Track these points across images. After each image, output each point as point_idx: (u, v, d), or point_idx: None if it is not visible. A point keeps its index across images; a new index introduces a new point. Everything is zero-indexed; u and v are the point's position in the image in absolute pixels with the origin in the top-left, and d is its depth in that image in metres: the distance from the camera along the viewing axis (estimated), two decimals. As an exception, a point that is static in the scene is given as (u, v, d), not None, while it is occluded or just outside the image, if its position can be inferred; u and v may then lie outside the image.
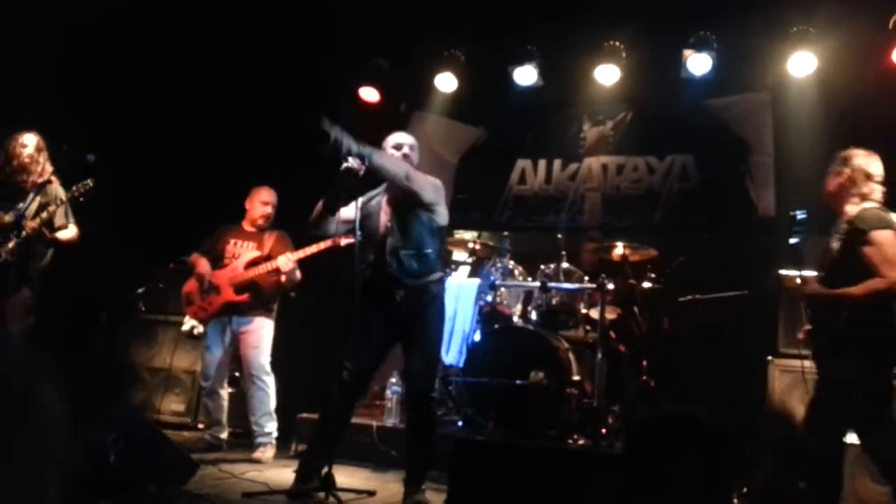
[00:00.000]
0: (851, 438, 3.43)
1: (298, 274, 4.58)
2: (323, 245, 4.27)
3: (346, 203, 3.58)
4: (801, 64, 5.32)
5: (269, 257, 4.58)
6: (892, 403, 3.21)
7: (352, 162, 3.33)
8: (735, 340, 4.92)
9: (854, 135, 5.08)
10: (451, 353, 5.13)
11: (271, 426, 4.59)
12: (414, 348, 3.59)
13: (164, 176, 5.81)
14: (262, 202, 4.77)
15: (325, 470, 3.41)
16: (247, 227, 4.79)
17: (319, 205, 3.59)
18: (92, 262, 4.84)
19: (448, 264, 5.65)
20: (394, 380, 4.79)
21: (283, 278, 4.55)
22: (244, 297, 4.54)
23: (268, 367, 4.62)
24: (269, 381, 4.61)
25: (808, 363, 3.74)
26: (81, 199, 4.14)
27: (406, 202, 3.55)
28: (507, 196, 6.63)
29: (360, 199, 3.60)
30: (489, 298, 5.13)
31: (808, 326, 3.51)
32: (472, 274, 5.60)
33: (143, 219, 5.71)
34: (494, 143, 6.73)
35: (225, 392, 4.80)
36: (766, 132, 5.80)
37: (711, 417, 2.25)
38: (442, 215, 3.67)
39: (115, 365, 5.45)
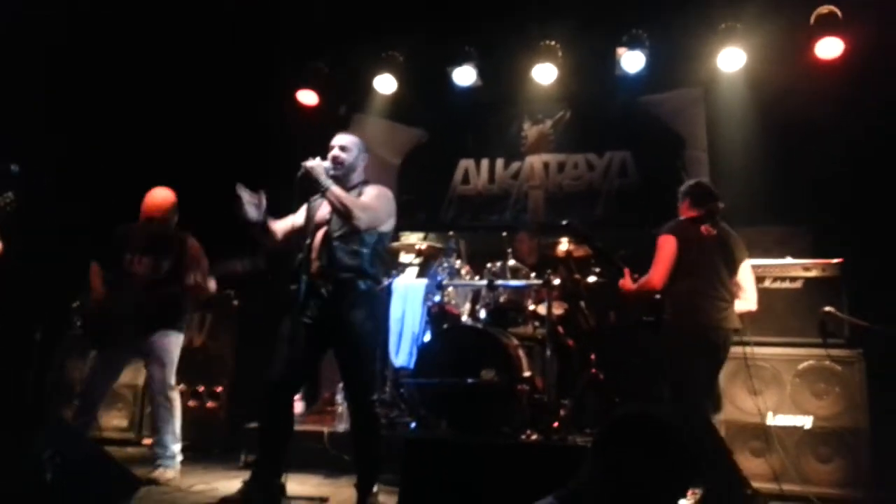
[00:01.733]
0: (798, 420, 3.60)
1: (213, 284, 4.22)
2: (221, 271, 4.11)
3: (265, 219, 3.55)
4: (731, 59, 5.50)
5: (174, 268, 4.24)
6: None
7: (310, 162, 3.40)
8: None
9: (782, 127, 5.33)
10: (402, 355, 5.11)
11: (175, 447, 4.26)
12: (345, 353, 3.52)
13: (99, 183, 5.61)
14: (152, 208, 4.27)
15: (275, 479, 3.34)
16: (143, 236, 4.33)
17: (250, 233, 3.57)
18: (24, 277, 4.64)
19: (395, 266, 5.63)
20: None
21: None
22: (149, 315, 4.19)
23: (174, 382, 4.28)
24: (175, 398, 4.29)
25: (749, 349, 3.90)
26: (7, 211, 3.93)
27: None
28: (451, 196, 6.65)
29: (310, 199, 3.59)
30: (437, 299, 5.12)
31: None
32: (420, 275, 5.59)
33: (77, 231, 5.49)
34: (436, 144, 6.74)
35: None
36: (700, 127, 5.98)
37: (672, 417, 2.28)
38: (388, 224, 3.67)
39: (51, 382, 5.24)
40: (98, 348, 4.22)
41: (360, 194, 3.59)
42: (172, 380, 4.24)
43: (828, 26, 5.24)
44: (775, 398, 4.11)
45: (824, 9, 5.28)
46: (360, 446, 3.56)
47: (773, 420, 4.09)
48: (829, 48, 5.24)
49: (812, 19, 5.32)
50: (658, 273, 3.69)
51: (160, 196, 4.29)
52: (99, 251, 4.33)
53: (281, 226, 3.65)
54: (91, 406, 4.21)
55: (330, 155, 3.59)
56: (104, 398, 4.40)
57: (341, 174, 3.57)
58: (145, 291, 4.15)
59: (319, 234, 3.52)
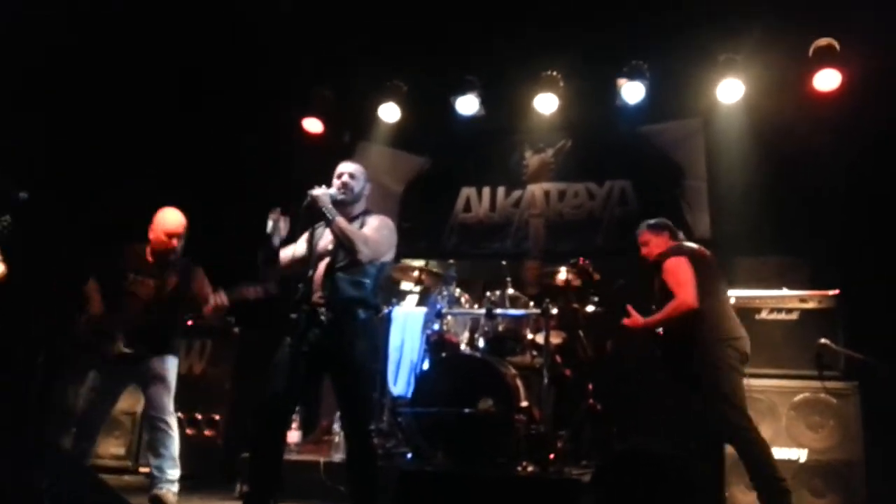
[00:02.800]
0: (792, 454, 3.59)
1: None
2: (235, 297, 4.01)
3: (280, 246, 3.57)
4: (730, 91, 5.55)
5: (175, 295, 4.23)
6: None
7: (316, 191, 3.42)
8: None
9: (781, 158, 5.36)
10: (400, 384, 5.12)
11: (175, 473, 4.20)
12: (344, 381, 3.51)
13: (100, 209, 5.68)
14: (165, 233, 4.20)
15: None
16: (149, 257, 4.26)
17: (260, 256, 3.56)
18: (26, 301, 4.68)
19: (395, 294, 5.67)
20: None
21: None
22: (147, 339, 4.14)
23: (172, 408, 4.22)
24: (174, 424, 4.23)
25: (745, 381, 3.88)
26: (4, 233, 3.92)
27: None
28: (452, 224, 6.69)
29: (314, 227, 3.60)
30: (436, 327, 5.14)
31: None
32: (420, 303, 5.61)
33: (79, 251, 5.54)
34: (439, 172, 6.80)
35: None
36: (699, 157, 6.01)
37: (680, 454, 2.30)
38: (389, 255, 3.69)
39: (52, 408, 5.26)
40: (95, 370, 4.14)
41: (362, 224, 3.60)
42: (171, 405, 4.21)
43: (826, 58, 5.30)
44: (770, 430, 4.07)
45: (823, 41, 5.33)
46: (357, 477, 3.54)
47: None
48: (828, 80, 5.29)
49: (811, 51, 5.37)
50: (689, 292, 3.78)
51: (173, 219, 4.24)
52: (98, 268, 4.27)
53: (284, 254, 3.65)
54: (90, 432, 4.19)
55: (339, 182, 3.61)
56: (103, 424, 4.36)
57: (348, 201, 3.60)
58: (146, 314, 4.12)
59: (322, 265, 3.52)
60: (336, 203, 3.51)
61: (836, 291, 4.21)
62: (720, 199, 5.76)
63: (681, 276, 3.82)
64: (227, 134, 6.22)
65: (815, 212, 5.15)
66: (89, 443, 4.22)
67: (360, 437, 3.52)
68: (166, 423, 4.17)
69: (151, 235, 4.24)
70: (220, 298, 3.98)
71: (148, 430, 4.31)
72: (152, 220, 4.24)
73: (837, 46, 5.25)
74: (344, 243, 3.44)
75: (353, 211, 3.65)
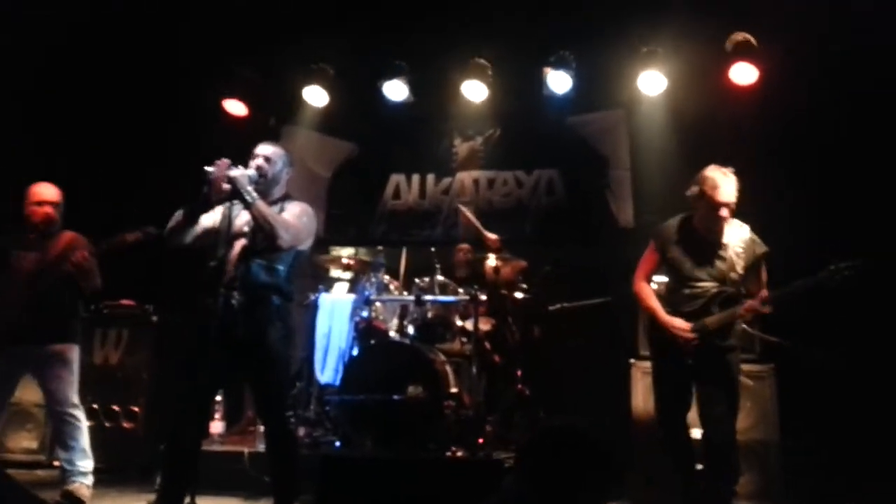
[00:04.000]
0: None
1: (97, 280, 4.06)
2: (109, 244, 3.98)
3: (205, 211, 3.42)
4: (652, 83, 5.66)
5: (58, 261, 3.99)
6: None
7: (235, 171, 3.30)
8: (600, 345, 5.16)
9: (699, 148, 5.53)
10: (327, 372, 5.05)
11: (87, 464, 4.06)
12: (258, 368, 3.40)
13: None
14: (35, 203, 4.07)
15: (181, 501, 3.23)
16: (30, 234, 4.10)
17: (180, 214, 3.40)
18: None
19: (323, 281, 5.58)
20: (267, 403, 4.62)
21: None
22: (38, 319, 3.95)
23: (76, 399, 4.06)
24: (80, 415, 4.07)
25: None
26: None
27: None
28: (381, 211, 6.62)
29: (225, 206, 3.46)
30: (364, 314, 5.09)
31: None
32: (350, 290, 5.55)
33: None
34: (368, 158, 6.71)
35: None
36: (623, 147, 6.15)
37: (592, 428, 2.34)
38: (307, 243, 3.60)
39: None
40: None
41: (281, 210, 3.49)
42: (76, 396, 4.03)
43: (743, 53, 5.46)
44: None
45: (739, 36, 5.50)
46: (276, 466, 3.47)
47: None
48: (744, 73, 5.46)
49: (728, 46, 5.54)
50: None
51: (43, 189, 4.10)
52: None
53: (203, 220, 3.45)
54: None
55: (253, 164, 3.48)
56: (2, 413, 4.13)
57: (263, 187, 3.49)
58: (30, 287, 3.92)
59: (238, 246, 3.40)
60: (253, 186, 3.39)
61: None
62: (643, 188, 5.92)
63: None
64: (146, 116, 5.98)
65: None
66: None
67: (276, 425, 3.45)
68: (71, 415, 4.00)
69: (25, 210, 4.08)
70: (80, 254, 3.89)
71: (54, 424, 4.13)
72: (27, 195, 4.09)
73: (753, 41, 5.44)
74: (263, 227, 3.33)
75: (271, 195, 3.53)
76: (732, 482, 3.64)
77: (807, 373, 4.31)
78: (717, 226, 3.57)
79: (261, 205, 3.34)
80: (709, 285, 3.58)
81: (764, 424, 4.20)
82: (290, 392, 4.80)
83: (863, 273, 3.36)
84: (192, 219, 3.38)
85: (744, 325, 3.74)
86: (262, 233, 3.37)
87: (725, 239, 3.59)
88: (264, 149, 3.57)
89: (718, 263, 3.58)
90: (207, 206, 3.40)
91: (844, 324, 4.60)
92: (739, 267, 3.56)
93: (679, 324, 3.55)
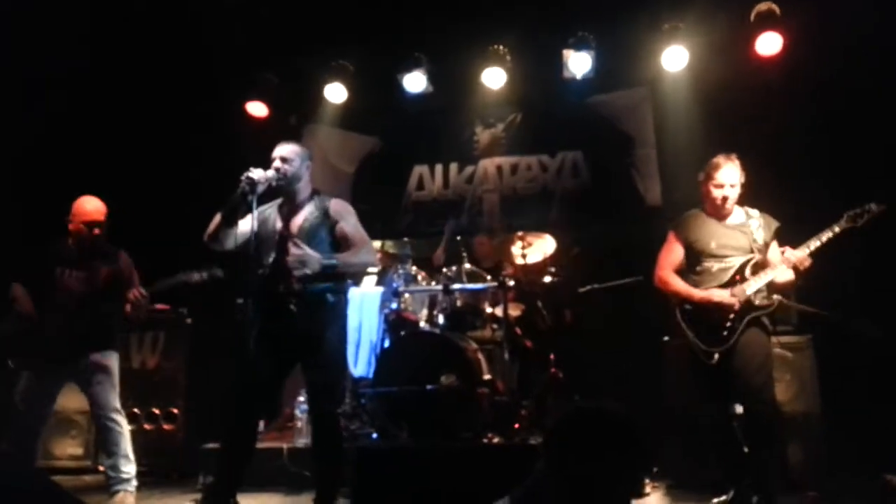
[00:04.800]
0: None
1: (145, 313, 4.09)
2: (171, 283, 3.95)
3: (243, 214, 3.46)
4: (675, 58, 5.58)
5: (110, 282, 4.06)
6: None
7: (253, 173, 3.33)
8: (633, 325, 5.09)
9: (726, 122, 5.43)
10: (360, 365, 5.07)
11: (130, 469, 4.11)
12: (312, 365, 3.46)
13: (37, 205, 5.46)
14: (86, 223, 4.07)
15: (229, 501, 3.28)
16: (74, 250, 4.13)
17: (217, 217, 3.46)
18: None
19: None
20: (302, 398, 4.66)
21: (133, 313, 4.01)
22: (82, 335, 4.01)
23: (118, 404, 4.12)
24: (122, 420, 4.13)
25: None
26: None
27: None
28: (406, 203, 6.63)
29: (258, 210, 3.48)
30: (394, 306, 5.09)
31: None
32: (378, 283, 5.56)
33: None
34: (390, 151, 6.71)
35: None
36: (647, 125, 6.07)
37: (622, 409, 2.32)
38: None
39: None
40: (28, 370, 3.98)
41: (326, 214, 3.53)
42: (117, 401, 4.10)
43: (767, 22, 5.35)
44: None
45: (763, 5, 5.38)
46: (323, 463, 3.50)
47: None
48: (769, 44, 5.35)
49: (752, 16, 5.43)
50: None
51: (93, 205, 4.10)
52: (24, 269, 4.11)
53: (242, 226, 3.49)
54: (30, 435, 4.04)
55: (272, 167, 3.52)
56: (44, 426, 4.18)
57: (286, 184, 3.52)
58: (80, 307, 3.98)
59: (286, 250, 3.42)
60: (276, 188, 3.45)
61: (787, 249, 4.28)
62: (669, 166, 5.83)
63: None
64: (172, 122, 6.06)
65: (762, 175, 5.24)
66: (31, 446, 4.06)
67: (328, 422, 3.47)
68: (113, 419, 4.06)
69: (72, 227, 4.10)
70: (137, 292, 3.89)
71: (98, 430, 4.19)
72: (71, 210, 4.09)
73: (777, 10, 5.32)
74: (360, 274, 3.41)
75: (298, 192, 3.57)
76: (776, 453, 3.60)
77: (845, 342, 4.21)
78: (726, 208, 3.71)
79: (342, 263, 3.42)
80: (737, 256, 3.65)
81: (804, 395, 4.13)
82: (344, 387, 4.85)
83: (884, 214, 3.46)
84: (231, 222, 3.42)
85: (779, 297, 3.67)
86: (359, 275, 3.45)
87: (740, 219, 3.73)
88: (281, 149, 3.61)
89: (740, 237, 3.68)
90: (246, 210, 3.43)
91: (881, 293, 4.50)
92: (760, 238, 3.66)
93: (718, 293, 3.58)
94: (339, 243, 3.53)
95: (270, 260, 3.45)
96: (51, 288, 4.03)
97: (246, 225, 3.48)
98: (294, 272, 3.32)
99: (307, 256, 3.32)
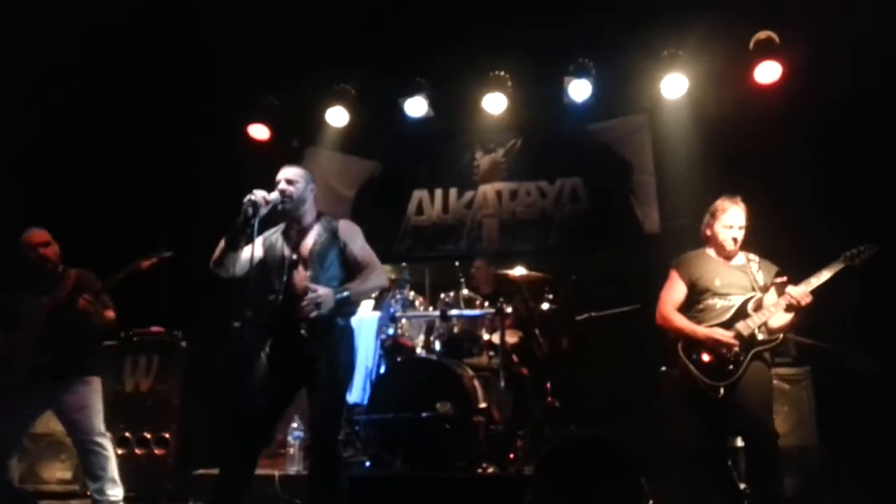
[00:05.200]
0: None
1: (109, 313, 4.13)
2: (123, 274, 4.00)
3: (248, 239, 3.44)
4: (674, 86, 5.60)
5: (69, 302, 4.05)
6: None
7: (256, 195, 3.31)
8: (630, 353, 5.05)
9: (725, 150, 5.43)
10: (355, 391, 5.02)
11: (117, 493, 4.09)
12: (319, 389, 3.40)
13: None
14: (38, 245, 4.14)
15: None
16: (34, 275, 4.17)
17: (222, 242, 3.43)
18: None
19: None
20: (295, 424, 4.62)
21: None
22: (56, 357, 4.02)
23: (102, 428, 4.10)
24: (107, 444, 4.11)
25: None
26: None
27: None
28: (405, 227, 6.62)
29: (263, 236, 3.50)
30: (390, 331, 5.06)
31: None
32: (376, 308, 5.53)
33: None
34: (390, 175, 6.73)
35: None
36: (646, 152, 6.08)
37: (617, 438, 2.28)
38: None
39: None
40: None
41: (335, 235, 3.51)
42: (101, 425, 4.08)
43: (766, 51, 5.37)
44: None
45: (763, 34, 5.41)
46: (318, 492, 3.43)
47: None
48: (768, 72, 5.37)
49: (751, 45, 5.44)
50: None
51: (34, 232, 4.18)
52: None
53: (244, 253, 3.46)
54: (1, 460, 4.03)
55: (277, 189, 3.51)
56: (16, 451, 4.21)
57: (291, 207, 3.51)
58: (47, 330, 3.98)
59: (297, 277, 3.41)
60: (281, 211, 3.42)
61: (784, 279, 4.25)
62: (668, 193, 5.82)
63: None
64: (174, 145, 6.08)
65: (760, 203, 5.22)
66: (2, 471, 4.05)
67: (327, 451, 3.40)
68: (98, 444, 4.04)
69: (30, 256, 4.14)
70: (84, 300, 3.93)
71: (81, 455, 4.15)
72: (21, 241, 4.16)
73: (777, 39, 5.34)
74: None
75: (303, 215, 3.56)
76: (781, 486, 3.56)
77: (843, 376, 4.17)
78: (730, 249, 3.75)
79: (354, 293, 3.41)
80: (739, 295, 3.67)
81: (801, 429, 4.10)
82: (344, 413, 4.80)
83: (879, 255, 3.47)
84: (235, 246, 3.40)
85: (781, 336, 3.65)
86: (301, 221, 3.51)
87: (741, 261, 3.77)
88: (285, 172, 3.59)
89: (742, 277, 3.71)
90: (250, 235, 3.39)
91: (879, 326, 4.46)
92: (761, 279, 3.69)
93: (720, 332, 3.59)
94: (350, 265, 3.51)
95: (281, 286, 3.41)
96: (16, 315, 4.05)
97: (248, 251, 3.45)
98: (310, 314, 3.29)
99: (322, 298, 3.27)
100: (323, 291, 3.28)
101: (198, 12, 5.59)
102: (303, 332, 3.33)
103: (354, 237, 3.57)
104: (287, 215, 3.50)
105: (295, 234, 3.55)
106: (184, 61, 5.87)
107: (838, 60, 5.07)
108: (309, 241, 3.50)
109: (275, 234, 3.58)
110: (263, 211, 3.34)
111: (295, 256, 3.45)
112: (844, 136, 5.13)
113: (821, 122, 5.17)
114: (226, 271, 3.47)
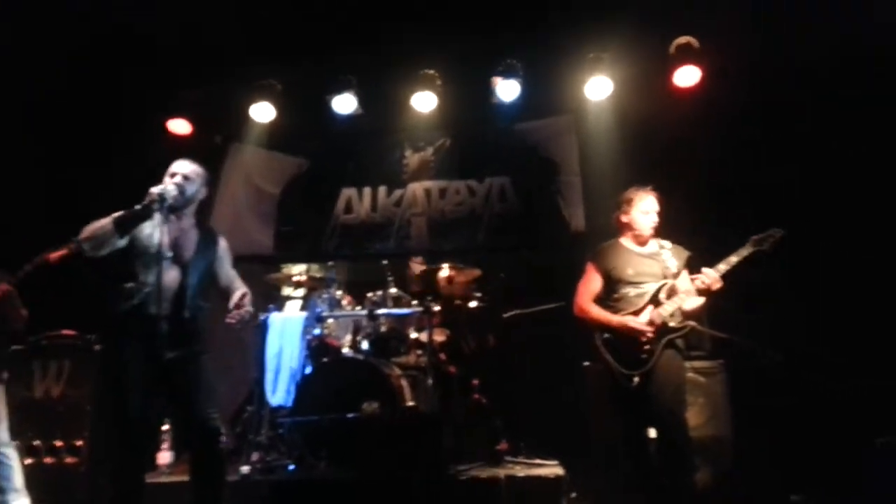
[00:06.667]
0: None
1: (23, 311, 4.01)
2: (31, 267, 3.89)
3: (134, 227, 3.31)
4: (598, 88, 5.70)
5: None
6: None
7: (168, 188, 3.28)
8: (556, 349, 5.12)
9: (647, 151, 5.56)
10: (279, 393, 4.93)
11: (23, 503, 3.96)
12: (191, 391, 3.33)
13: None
14: None
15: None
16: None
17: (108, 221, 3.26)
18: None
19: (275, 300, 5.46)
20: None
21: None
22: None
23: (6, 437, 3.98)
24: (11, 453, 3.97)
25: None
26: None
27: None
28: (333, 225, 6.51)
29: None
30: (317, 331, 4.98)
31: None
32: (303, 308, 5.44)
33: None
34: (317, 173, 6.61)
35: None
36: (572, 153, 6.16)
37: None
38: None
39: None
40: None
41: (213, 241, 3.55)
42: (5, 434, 3.91)
43: (686, 55, 5.53)
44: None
45: (682, 39, 5.56)
46: (204, 487, 3.33)
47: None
48: (687, 76, 5.52)
49: (672, 49, 5.59)
50: None
51: None
52: None
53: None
54: None
55: (172, 182, 3.40)
56: None
57: (180, 204, 3.40)
58: None
59: (172, 276, 3.34)
60: (167, 206, 3.28)
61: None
62: (593, 192, 5.92)
63: None
64: (93, 139, 5.82)
65: (681, 203, 5.38)
66: None
67: (214, 441, 3.33)
68: (1, 453, 3.88)
69: None
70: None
71: None
72: None
73: (696, 44, 5.50)
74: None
75: (186, 215, 3.48)
76: (690, 476, 3.67)
77: (756, 368, 4.32)
78: (643, 237, 3.92)
79: None
80: (651, 283, 3.80)
81: (716, 420, 4.22)
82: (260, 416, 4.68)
83: (784, 240, 3.67)
84: (124, 231, 3.27)
85: (692, 323, 3.78)
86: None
87: (653, 248, 3.92)
88: (184, 166, 3.50)
89: (655, 265, 3.85)
90: (143, 223, 3.31)
91: (785, 322, 4.66)
92: (673, 266, 3.83)
93: (633, 320, 3.71)
94: (217, 281, 3.56)
95: (150, 279, 3.27)
96: None
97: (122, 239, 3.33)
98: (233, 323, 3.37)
99: (160, 192, 3.26)
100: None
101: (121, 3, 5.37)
102: (166, 326, 3.24)
103: (229, 257, 3.64)
104: (172, 211, 3.37)
105: (173, 232, 3.43)
106: (104, 54, 5.64)
107: (754, 66, 5.28)
108: (189, 245, 3.46)
109: (150, 227, 3.38)
110: (167, 205, 3.25)
111: (171, 254, 3.36)
112: (758, 139, 5.34)
113: (735, 125, 5.36)
114: (94, 248, 3.30)
